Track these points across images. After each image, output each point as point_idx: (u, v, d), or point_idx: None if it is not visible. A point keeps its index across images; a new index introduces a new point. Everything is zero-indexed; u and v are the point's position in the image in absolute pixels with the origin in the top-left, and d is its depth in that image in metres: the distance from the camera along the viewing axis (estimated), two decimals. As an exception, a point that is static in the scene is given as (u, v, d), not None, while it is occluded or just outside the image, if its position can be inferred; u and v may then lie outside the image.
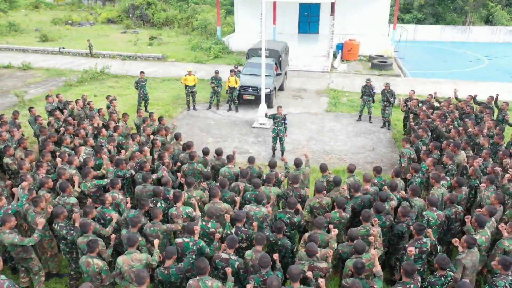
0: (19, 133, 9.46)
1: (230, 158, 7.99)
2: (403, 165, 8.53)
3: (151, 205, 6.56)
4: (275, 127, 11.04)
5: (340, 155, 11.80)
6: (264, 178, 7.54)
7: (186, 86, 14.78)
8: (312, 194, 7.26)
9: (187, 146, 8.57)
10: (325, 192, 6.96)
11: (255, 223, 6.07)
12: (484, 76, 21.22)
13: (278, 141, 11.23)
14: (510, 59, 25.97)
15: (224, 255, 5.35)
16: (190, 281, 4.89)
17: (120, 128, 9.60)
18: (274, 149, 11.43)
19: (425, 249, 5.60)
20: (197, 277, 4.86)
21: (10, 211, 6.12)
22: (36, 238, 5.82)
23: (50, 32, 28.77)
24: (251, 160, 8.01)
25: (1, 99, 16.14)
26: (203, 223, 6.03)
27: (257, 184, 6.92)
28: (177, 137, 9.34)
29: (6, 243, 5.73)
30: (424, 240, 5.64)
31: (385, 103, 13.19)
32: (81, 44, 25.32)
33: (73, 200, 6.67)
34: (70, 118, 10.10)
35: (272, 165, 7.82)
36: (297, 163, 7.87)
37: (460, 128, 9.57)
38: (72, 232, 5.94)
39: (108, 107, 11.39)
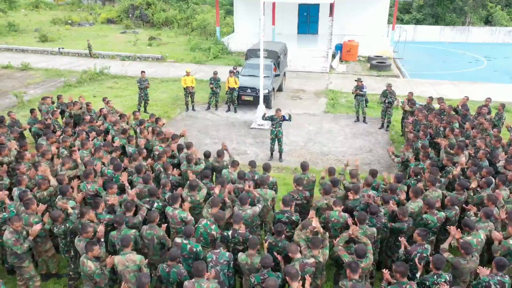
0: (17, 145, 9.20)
1: (235, 164, 7.95)
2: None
3: (147, 206, 6.60)
4: (274, 129, 11.07)
5: (338, 156, 11.82)
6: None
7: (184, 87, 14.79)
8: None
9: (186, 147, 8.56)
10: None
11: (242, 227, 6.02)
12: (483, 77, 21.23)
13: (276, 142, 11.27)
14: (509, 60, 26.00)
15: (215, 250, 5.51)
16: (186, 283, 4.94)
17: (127, 131, 9.61)
18: (272, 151, 11.45)
19: (425, 255, 5.56)
20: (193, 279, 4.90)
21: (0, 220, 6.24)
22: (25, 248, 5.84)
23: (49, 33, 28.79)
24: (252, 164, 7.94)
25: (1, 99, 16.17)
26: (208, 222, 6.06)
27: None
28: (173, 138, 9.32)
29: (3, 239, 5.80)
30: (426, 246, 5.63)
31: (387, 104, 13.22)
32: (81, 45, 25.35)
33: (71, 203, 6.66)
34: (70, 121, 10.16)
35: (266, 168, 7.79)
36: (304, 167, 7.75)
37: (457, 130, 9.61)
38: (66, 224, 6.05)
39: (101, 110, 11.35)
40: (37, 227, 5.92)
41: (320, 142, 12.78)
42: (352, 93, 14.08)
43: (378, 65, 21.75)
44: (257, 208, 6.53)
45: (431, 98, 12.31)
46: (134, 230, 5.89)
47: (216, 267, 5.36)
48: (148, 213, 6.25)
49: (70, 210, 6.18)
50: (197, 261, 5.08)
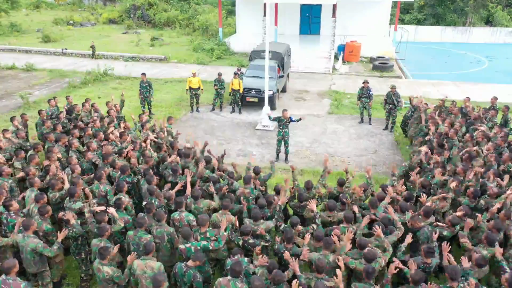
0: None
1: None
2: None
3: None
4: (280, 130, 11.17)
5: (343, 157, 11.93)
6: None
7: (190, 88, 14.87)
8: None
9: (185, 155, 8.58)
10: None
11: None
12: (484, 77, 21.34)
13: (282, 144, 11.37)
14: (510, 60, 26.11)
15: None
16: (220, 279, 5.04)
17: (126, 135, 9.68)
18: (278, 152, 11.54)
19: (427, 270, 5.57)
20: (228, 277, 4.99)
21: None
22: (55, 250, 5.83)
23: (52, 33, 28.81)
24: (256, 170, 7.98)
25: (7, 100, 16.26)
26: (202, 236, 6.01)
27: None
28: (172, 146, 9.29)
29: (29, 247, 5.77)
30: (431, 264, 5.63)
31: (391, 105, 13.31)
32: (84, 45, 25.40)
33: (78, 205, 6.73)
34: (80, 123, 10.25)
35: (256, 172, 7.90)
36: (308, 187, 7.58)
37: (467, 135, 9.65)
38: (74, 230, 6.16)
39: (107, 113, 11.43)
40: (65, 232, 5.97)
41: (325, 143, 12.88)
42: (358, 99, 14.12)
43: (381, 65, 21.86)
44: (271, 224, 6.48)
45: (443, 101, 12.41)
46: (150, 236, 5.92)
47: None
48: (156, 212, 6.33)
49: (72, 221, 6.18)
50: (236, 262, 5.11)
